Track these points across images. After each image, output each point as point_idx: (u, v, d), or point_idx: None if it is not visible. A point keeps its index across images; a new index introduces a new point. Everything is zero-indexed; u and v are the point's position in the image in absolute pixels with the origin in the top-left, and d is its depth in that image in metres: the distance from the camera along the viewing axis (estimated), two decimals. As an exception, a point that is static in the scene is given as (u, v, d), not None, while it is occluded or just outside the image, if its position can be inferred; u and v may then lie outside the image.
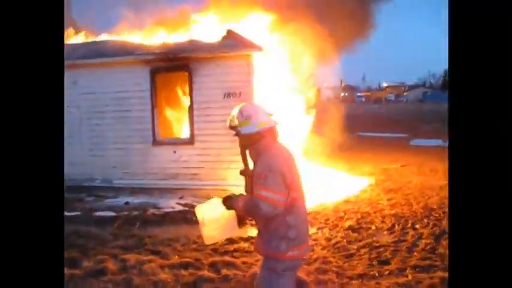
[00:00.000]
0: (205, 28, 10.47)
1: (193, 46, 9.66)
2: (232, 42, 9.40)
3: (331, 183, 9.96)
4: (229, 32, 9.65)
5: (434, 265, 5.78)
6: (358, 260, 6.07)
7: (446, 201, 8.62)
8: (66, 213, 8.07)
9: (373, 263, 5.93)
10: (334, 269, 5.69)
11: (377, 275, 5.49)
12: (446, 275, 5.42)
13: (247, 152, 3.35)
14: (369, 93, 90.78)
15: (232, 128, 3.30)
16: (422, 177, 11.40)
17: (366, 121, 28.95)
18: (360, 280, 5.32)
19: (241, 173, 3.42)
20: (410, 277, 5.42)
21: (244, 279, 5.30)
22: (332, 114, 28.65)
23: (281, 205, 3.03)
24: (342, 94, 72.08)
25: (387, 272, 5.56)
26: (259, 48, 9.30)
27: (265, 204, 2.99)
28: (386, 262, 5.96)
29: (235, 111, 3.28)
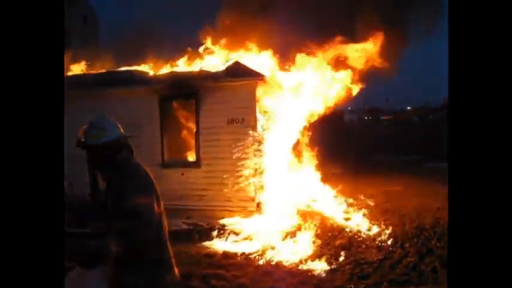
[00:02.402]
0: (211, 58, 11.18)
1: (200, 75, 10.36)
2: (236, 71, 10.06)
3: (330, 204, 10.39)
4: (234, 62, 10.33)
5: (410, 280, 6.22)
6: (341, 274, 6.54)
7: (440, 221, 9.07)
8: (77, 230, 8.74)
9: (354, 278, 6.39)
10: (315, 281, 6.18)
11: (353, 287, 5.96)
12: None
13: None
14: (392, 116, 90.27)
15: (79, 143, 2.95)
16: (422, 198, 11.71)
17: (387, 143, 29.09)
18: (335, 292, 5.80)
19: (91, 196, 3.16)
20: (384, 290, 5.88)
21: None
22: (352, 137, 28.99)
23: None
24: (366, 117, 72.00)
25: (362, 286, 6.02)
26: (261, 77, 9.94)
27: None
28: (366, 277, 6.41)
29: (86, 126, 2.97)
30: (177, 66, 11.37)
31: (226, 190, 10.09)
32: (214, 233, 8.95)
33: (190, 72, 10.74)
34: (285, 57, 11.00)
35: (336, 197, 10.89)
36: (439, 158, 21.55)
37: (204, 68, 10.69)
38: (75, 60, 12.18)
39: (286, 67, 10.88)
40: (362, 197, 11.88)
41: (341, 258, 7.19)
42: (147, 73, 11.17)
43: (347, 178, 14.10)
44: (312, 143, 11.49)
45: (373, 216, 9.81)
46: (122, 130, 3.05)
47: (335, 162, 12.41)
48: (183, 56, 11.45)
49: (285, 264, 7.08)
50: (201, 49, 11.39)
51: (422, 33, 13.55)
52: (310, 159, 11.26)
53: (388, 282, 6.14)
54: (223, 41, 11.56)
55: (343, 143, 22.13)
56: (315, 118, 11.05)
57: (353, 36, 10.55)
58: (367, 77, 11.02)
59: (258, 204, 9.99)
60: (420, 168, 18.94)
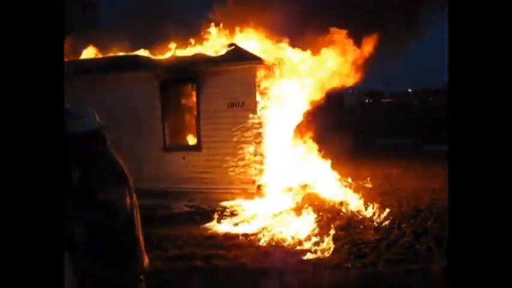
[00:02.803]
0: (211, 42, 11.25)
1: (200, 60, 10.46)
2: (237, 55, 10.16)
3: (329, 186, 10.56)
4: (233, 46, 10.41)
5: (405, 259, 6.41)
6: (338, 254, 6.73)
7: (437, 203, 9.24)
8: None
9: (351, 257, 6.59)
10: (313, 261, 6.38)
11: (350, 266, 6.16)
12: (413, 266, 6.08)
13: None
14: (393, 99, 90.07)
15: None
16: (420, 181, 11.89)
17: (388, 126, 29.20)
18: (333, 270, 5.99)
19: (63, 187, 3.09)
20: (380, 267, 6.08)
21: (232, 268, 6.04)
22: (352, 120, 29.05)
23: None
24: (367, 100, 71.84)
25: (359, 265, 6.21)
26: (261, 61, 10.04)
27: None
28: (363, 256, 6.60)
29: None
30: (177, 50, 11.44)
31: (227, 173, 10.25)
32: (216, 215, 9.12)
33: (190, 56, 10.82)
34: (285, 41, 11.09)
35: (335, 179, 11.04)
36: (439, 140, 21.73)
37: (204, 53, 10.77)
38: (76, 46, 12.26)
39: (286, 51, 10.97)
40: (361, 180, 12.06)
41: (339, 239, 7.36)
42: (148, 58, 11.26)
43: (347, 161, 14.24)
44: (312, 126, 11.62)
45: (371, 198, 9.97)
46: (99, 120, 3.03)
47: (335, 145, 12.51)
48: (184, 40, 11.52)
49: (285, 244, 7.27)
50: (202, 33, 11.44)
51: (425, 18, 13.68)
52: (310, 142, 11.39)
53: (384, 261, 6.33)
54: (224, 25, 11.61)
55: (344, 126, 22.21)
56: (316, 101, 11.15)
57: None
58: (368, 59, 11.15)
59: (259, 187, 10.16)
60: (420, 151, 19.11)
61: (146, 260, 3.09)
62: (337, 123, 18.30)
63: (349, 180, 11.15)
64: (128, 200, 2.93)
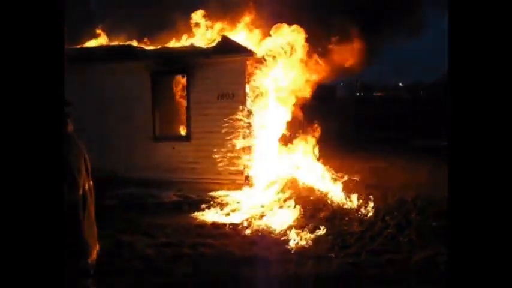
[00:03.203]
0: (202, 34, 11.33)
1: (191, 51, 10.56)
2: (227, 47, 10.26)
3: (316, 178, 10.73)
4: (224, 37, 10.50)
5: (387, 249, 6.60)
6: (322, 244, 6.90)
7: (420, 196, 9.45)
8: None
9: (335, 247, 6.77)
10: (298, 250, 6.55)
11: (333, 256, 6.33)
12: (395, 257, 6.28)
13: None
14: (384, 93, 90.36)
15: None
16: (406, 174, 12.10)
17: (378, 120, 29.42)
18: (316, 260, 6.17)
19: None
20: (362, 257, 6.26)
21: (214, 257, 6.20)
22: (343, 113, 29.19)
23: None
24: (358, 93, 72.01)
25: (342, 255, 6.39)
26: (251, 53, 10.16)
27: None
28: (346, 247, 6.78)
29: None
30: (169, 41, 11.52)
31: (216, 163, 10.39)
32: (204, 204, 9.26)
33: (181, 47, 10.92)
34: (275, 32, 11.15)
35: (322, 171, 11.21)
36: (428, 135, 22.00)
37: (195, 44, 10.85)
38: (67, 34, 12.26)
39: (276, 42, 11.04)
40: (348, 172, 12.23)
41: (324, 230, 7.53)
42: (140, 48, 11.33)
43: (335, 153, 14.42)
44: (302, 118, 11.74)
45: (357, 191, 10.15)
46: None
47: (324, 138, 12.67)
48: (175, 31, 11.60)
49: (271, 234, 7.43)
50: (193, 25, 11.50)
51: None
52: (299, 134, 11.53)
53: (367, 251, 6.51)
54: (215, 17, 11.68)
55: (334, 118, 22.36)
56: (306, 93, 11.27)
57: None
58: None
59: (247, 178, 10.32)
60: (408, 146, 19.33)
61: (94, 253, 3.11)
62: (327, 116, 18.48)
63: (336, 172, 11.32)
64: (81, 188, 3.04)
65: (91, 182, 3.06)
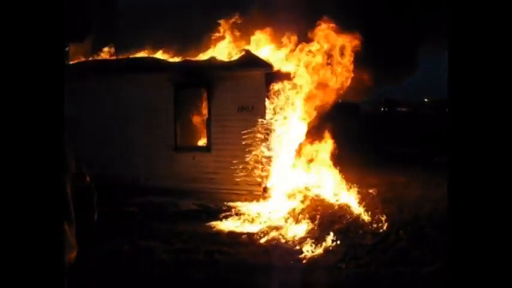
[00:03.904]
0: (224, 48, 11.67)
1: (213, 64, 10.89)
2: (247, 61, 10.55)
3: (334, 191, 10.87)
4: (245, 51, 10.81)
5: (397, 262, 6.71)
6: (334, 255, 7.05)
7: (437, 212, 9.49)
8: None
9: (346, 258, 6.90)
10: (310, 260, 6.71)
11: (344, 266, 6.48)
12: (405, 269, 6.39)
13: None
14: (409, 108, 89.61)
15: None
16: (424, 190, 12.12)
17: (401, 136, 29.30)
18: (326, 270, 6.32)
19: None
20: (372, 269, 6.39)
21: (228, 264, 6.42)
22: (366, 128, 29.15)
23: None
24: (382, 109, 71.63)
25: (353, 266, 6.53)
26: (271, 67, 10.43)
27: None
28: (357, 258, 6.91)
29: None
30: (192, 54, 11.88)
31: (234, 174, 10.63)
32: (222, 214, 9.50)
33: (203, 61, 11.26)
34: (296, 47, 11.37)
35: (340, 184, 11.34)
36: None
37: (217, 58, 11.18)
38: (96, 46, 12.78)
39: (297, 56, 11.25)
40: (366, 186, 12.32)
41: (337, 241, 7.67)
42: (163, 60, 11.72)
43: (354, 167, 14.51)
44: (324, 132, 11.91)
45: (374, 204, 10.25)
46: None
47: (346, 152, 12.80)
48: (198, 44, 11.96)
49: (285, 244, 7.61)
50: (215, 38, 11.86)
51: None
52: (319, 147, 11.69)
53: (378, 263, 6.63)
54: (236, 31, 11.99)
55: (357, 133, 22.39)
56: (326, 107, 11.47)
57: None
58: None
59: (265, 189, 10.51)
60: (429, 161, 19.22)
61: (74, 252, 3.15)
62: (350, 130, 18.56)
63: (354, 186, 11.44)
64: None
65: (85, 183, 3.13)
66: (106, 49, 12.82)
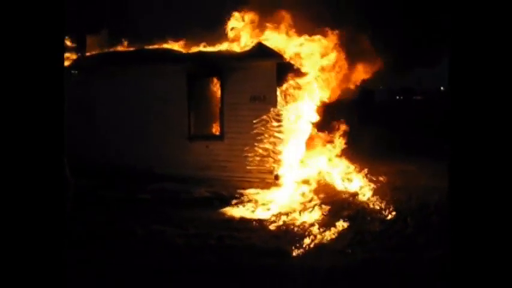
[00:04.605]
0: (237, 38, 11.88)
1: (225, 55, 11.12)
2: (259, 52, 10.74)
3: (344, 178, 11.07)
4: (257, 43, 11.00)
5: (402, 247, 6.92)
6: (342, 240, 7.28)
7: (444, 200, 9.62)
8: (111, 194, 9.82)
9: (353, 243, 7.14)
10: (318, 245, 6.97)
11: (350, 251, 6.71)
12: (409, 254, 6.60)
13: None
14: (424, 96, 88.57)
15: None
16: (434, 178, 12.20)
17: (415, 124, 29.19)
18: (333, 254, 6.57)
19: None
20: (377, 254, 6.62)
21: (238, 248, 6.70)
22: (380, 116, 29.06)
23: None
24: (397, 97, 71.08)
25: (359, 250, 6.76)
26: (283, 58, 10.62)
27: None
28: (364, 243, 7.14)
29: None
30: (205, 45, 12.11)
31: (246, 162, 10.89)
32: (234, 201, 9.77)
33: (216, 52, 11.49)
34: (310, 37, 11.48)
35: (350, 172, 11.52)
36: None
37: (229, 49, 11.40)
38: (110, 38, 13.06)
39: (311, 46, 11.37)
40: (376, 174, 12.46)
41: (345, 227, 7.90)
42: (177, 51, 11.98)
43: (366, 156, 14.63)
44: (336, 121, 12.06)
45: (383, 192, 10.42)
46: None
47: (358, 140, 12.94)
48: (211, 35, 12.17)
49: (294, 229, 7.86)
50: (228, 29, 12.05)
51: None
52: (332, 135, 11.87)
53: (383, 248, 6.86)
54: (249, 21, 12.15)
55: (370, 121, 22.40)
56: (340, 96, 11.62)
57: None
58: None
59: (276, 177, 10.75)
60: (441, 150, 19.15)
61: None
62: (363, 119, 18.60)
63: (364, 174, 11.61)
64: None
65: None
66: (122, 42, 13.09)
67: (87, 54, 12.94)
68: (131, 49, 12.94)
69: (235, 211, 9.23)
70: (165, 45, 12.39)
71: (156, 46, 12.53)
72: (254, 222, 8.33)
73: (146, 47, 12.58)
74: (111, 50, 13.02)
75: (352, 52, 10.90)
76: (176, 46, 12.34)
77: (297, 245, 6.93)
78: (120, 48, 13.04)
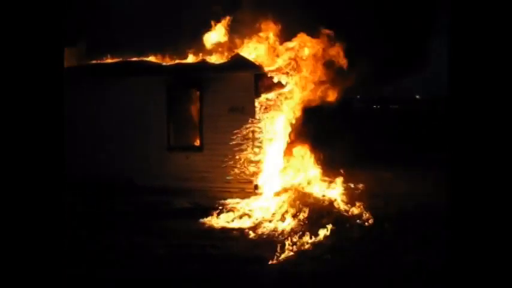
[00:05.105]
0: (215, 50, 12.04)
1: (204, 67, 11.26)
2: (237, 63, 10.92)
3: (323, 187, 11.24)
4: (235, 54, 11.17)
5: (381, 253, 7.10)
6: (321, 247, 7.42)
7: (422, 206, 9.88)
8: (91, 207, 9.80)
9: (332, 249, 7.28)
10: (298, 252, 7.10)
11: (329, 257, 6.86)
12: (387, 259, 6.77)
13: None
14: (400, 105, 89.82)
15: None
16: (411, 185, 12.50)
17: (391, 133, 29.63)
18: (313, 261, 6.70)
19: None
20: (357, 259, 6.78)
21: (220, 257, 6.79)
22: (357, 125, 29.39)
23: None
24: (374, 106, 72.02)
25: (338, 257, 6.91)
26: (260, 69, 10.80)
27: None
28: (344, 250, 7.29)
29: None
30: (184, 57, 12.23)
31: (226, 173, 11.00)
32: (214, 211, 9.84)
33: (195, 63, 11.63)
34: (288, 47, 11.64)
35: (329, 180, 11.70)
36: (438, 148, 22.04)
37: (208, 60, 11.54)
38: (88, 50, 13.07)
39: (285, 57, 11.56)
40: (354, 182, 12.67)
41: (325, 235, 8.04)
42: (156, 63, 12.07)
43: (343, 164, 14.84)
44: (313, 130, 12.24)
45: (361, 199, 10.59)
46: None
47: (334, 149, 13.14)
48: (190, 47, 12.30)
49: (274, 237, 7.98)
50: (207, 40, 12.18)
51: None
52: (309, 145, 12.04)
53: (362, 254, 7.02)
54: (228, 32, 12.30)
55: (348, 130, 22.67)
56: (316, 106, 11.81)
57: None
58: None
59: (255, 187, 10.88)
60: (417, 157, 19.59)
61: None
62: (341, 127, 18.88)
63: (342, 181, 11.80)
64: None
65: None
66: (100, 54, 13.10)
67: (65, 66, 12.89)
68: (110, 61, 12.97)
69: (216, 221, 9.30)
70: (144, 58, 12.46)
71: (135, 58, 12.59)
72: (235, 232, 8.43)
73: (125, 59, 12.63)
74: (90, 62, 13.02)
75: (329, 63, 11.12)
76: (155, 58, 12.42)
77: (277, 252, 7.04)
78: (98, 61, 13.06)
